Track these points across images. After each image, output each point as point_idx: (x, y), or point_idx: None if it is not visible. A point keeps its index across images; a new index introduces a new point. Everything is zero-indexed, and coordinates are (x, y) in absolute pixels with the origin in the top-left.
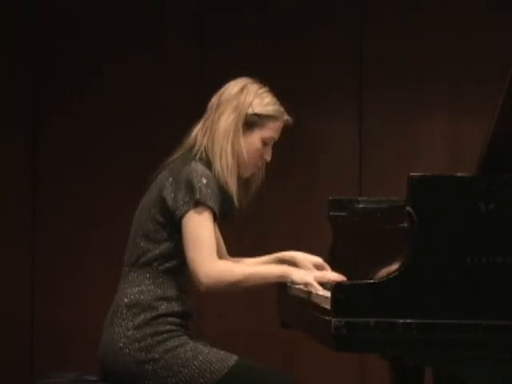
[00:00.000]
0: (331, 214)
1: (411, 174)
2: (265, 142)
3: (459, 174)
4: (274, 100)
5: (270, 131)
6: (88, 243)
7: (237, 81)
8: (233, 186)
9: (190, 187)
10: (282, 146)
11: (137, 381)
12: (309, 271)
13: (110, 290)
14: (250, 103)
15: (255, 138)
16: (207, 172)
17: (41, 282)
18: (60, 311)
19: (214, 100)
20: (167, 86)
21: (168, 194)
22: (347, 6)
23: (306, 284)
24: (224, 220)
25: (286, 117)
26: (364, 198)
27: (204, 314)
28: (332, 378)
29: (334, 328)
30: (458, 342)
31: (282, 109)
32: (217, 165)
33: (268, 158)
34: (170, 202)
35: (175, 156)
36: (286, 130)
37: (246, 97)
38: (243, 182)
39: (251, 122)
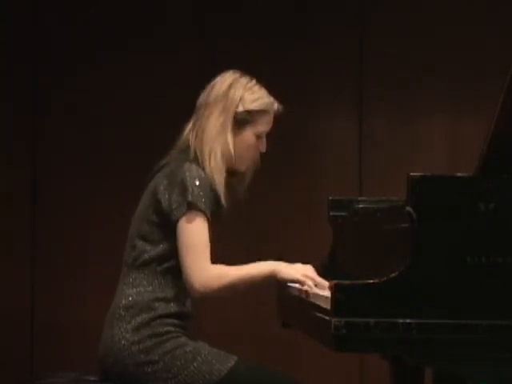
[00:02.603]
0: (331, 214)
1: (411, 173)
2: (258, 136)
3: (459, 174)
4: (263, 92)
5: (263, 125)
6: (88, 243)
7: (224, 77)
8: (220, 186)
9: (183, 188)
10: (282, 146)
11: (137, 382)
12: (298, 268)
13: (110, 290)
14: (239, 101)
15: (248, 135)
16: (201, 173)
17: (41, 282)
18: (60, 311)
19: (203, 99)
20: (167, 85)
21: (163, 196)
22: (347, 5)
23: (296, 281)
24: (214, 220)
25: (277, 106)
26: (364, 198)
27: (204, 315)
28: (332, 377)
29: (334, 328)
30: (458, 342)
31: (271, 99)
32: (206, 165)
33: (263, 149)
34: (164, 204)
35: (170, 157)
36: (286, 131)
37: (234, 95)
38: (239, 176)
39: (242, 120)
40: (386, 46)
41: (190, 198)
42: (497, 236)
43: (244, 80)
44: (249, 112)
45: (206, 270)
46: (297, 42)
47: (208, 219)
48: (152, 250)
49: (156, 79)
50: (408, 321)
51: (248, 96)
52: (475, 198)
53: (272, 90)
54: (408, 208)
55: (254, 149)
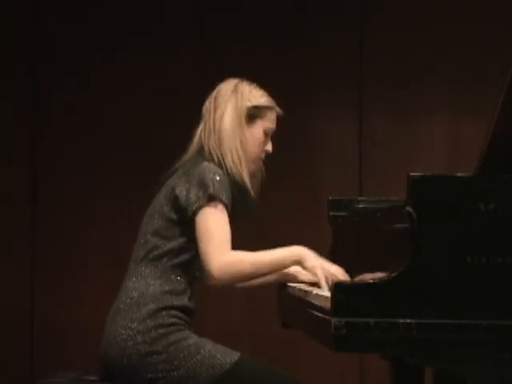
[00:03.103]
0: (331, 214)
1: (411, 173)
2: (266, 133)
3: (459, 174)
4: (265, 93)
5: (270, 122)
6: (88, 243)
7: (227, 82)
8: (247, 178)
9: (204, 184)
10: (282, 146)
11: (139, 373)
12: (323, 263)
13: (110, 290)
14: (248, 97)
15: (258, 130)
16: (220, 171)
17: (41, 282)
18: (60, 311)
19: (210, 103)
20: (167, 85)
21: (181, 192)
22: (347, 5)
23: (315, 274)
24: (244, 216)
25: (277, 108)
26: (364, 198)
27: (205, 314)
28: (332, 378)
29: (334, 328)
30: (458, 342)
31: (273, 100)
32: (228, 161)
33: (270, 149)
34: (182, 199)
35: (183, 161)
36: (286, 131)
37: (242, 92)
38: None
39: (252, 115)
40: (386, 46)
41: (211, 190)
42: (497, 236)
43: (246, 82)
44: (258, 107)
45: (222, 256)
46: (297, 42)
47: (228, 211)
48: (164, 246)
49: (156, 79)
50: (408, 321)
51: (254, 92)
52: (475, 198)
53: (272, 90)
54: (408, 208)
55: (262, 145)
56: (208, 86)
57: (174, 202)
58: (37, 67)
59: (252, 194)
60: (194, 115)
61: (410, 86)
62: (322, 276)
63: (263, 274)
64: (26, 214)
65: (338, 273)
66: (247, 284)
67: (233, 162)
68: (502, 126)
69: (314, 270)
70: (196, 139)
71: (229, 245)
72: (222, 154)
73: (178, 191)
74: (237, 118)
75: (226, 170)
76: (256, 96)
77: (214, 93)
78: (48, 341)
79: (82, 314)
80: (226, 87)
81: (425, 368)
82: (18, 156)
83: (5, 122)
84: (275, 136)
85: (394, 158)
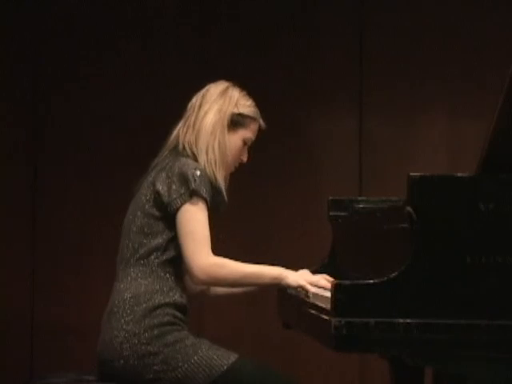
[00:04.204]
0: (331, 214)
1: (411, 173)
2: (245, 143)
3: (459, 174)
4: (254, 103)
5: (251, 132)
6: (88, 243)
7: (217, 83)
8: (221, 179)
9: (185, 179)
10: (283, 146)
11: (137, 375)
12: (303, 274)
13: (110, 290)
14: (236, 103)
15: (238, 138)
16: (199, 166)
17: (41, 282)
18: (60, 311)
19: (196, 100)
20: (167, 85)
21: (162, 188)
22: (347, 5)
23: (301, 287)
24: (213, 214)
25: (261, 121)
26: (364, 198)
27: (205, 314)
28: (332, 378)
29: (334, 328)
30: (458, 342)
31: (259, 113)
32: (203, 159)
33: (245, 159)
34: (164, 195)
35: (161, 157)
36: (286, 131)
37: (230, 97)
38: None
39: (235, 122)
40: (386, 46)
41: (192, 185)
42: (497, 236)
43: (238, 87)
44: (243, 116)
45: (206, 257)
46: (297, 42)
47: (208, 208)
48: (150, 243)
49: (156, 79)
50: (408, 321)
51: (243, 101)
52: (475, 198)
53: (272, 90)
54: (408, 208)
55: (238, 154)
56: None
57: (156, 198)
58: (37, 67)
59: (225, 196)
60: None
61: (410, 86)
62: (306, 283)
63: (241, 285)
64: (26, 214)
65: (322, 278)
66: (229, 291)
67: (207, 161)
68: (502, 126)
69: (296, 283)
70: (173, 135)
71: (209, 246)
72: (197, 151)
73: (159, 187)
74: (219, 120)
75: (205, 170)
76: (244, 104)
77: (203, 91)
78: (48, 341)
79: (82, 314)
80: (216, 88)
81: (425, 368)
82: (18, 156)
83: (5, 122)
84: (276, 136)
85: (394, 158)
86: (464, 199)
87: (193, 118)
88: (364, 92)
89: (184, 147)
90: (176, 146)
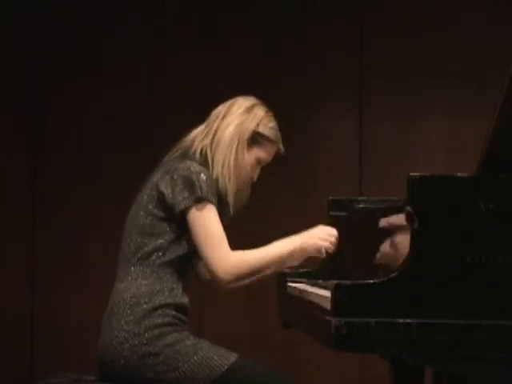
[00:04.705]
0: (331, 213)
1: (411, 173)
2: (259, 162)
3: (459, 174)
4: (277, 126)
5: (267, 153)
6: (88, 243)
7: (247, 97)
8: (231, 195)
9: (190, 183)
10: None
11: (137, 375)
12: (317, 234)
13: (110, 291)
14: (259, 122)
15: (252, 156)
16: (205, 170)
17: (41, 282)
18: (60, 311)
19: (222, 108)
20: (167, 85)
21: (165, 189)
22: (347, 5)
23: (325, 250)
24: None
25: (281, 145)
26: (364, 198)
27: (205, 315)
28: (332, 378)
29: (334, 328)
30: (458, 342)
31: (280, 137)
32: (218, 171)
33: (254, 178)
34: (168, 197)
35: (170, 156)
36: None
37: (255, 114)
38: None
39: (253, 140)
40: (386, 46)
41: (199, 193)
42: (497, 236)
43: (265, 107)
44: (262, 135)
45: (229, 258)
46: (297, 42)
47: (217, 209)
48: (151, 243)
49: (156, 79)
50: (408, 321)
51: (266, 121)
52: (475, 198)
53: (272, 90)
54: (408, 208)
55: (250, 172)
56: (208, 85)
57: (160, 199)
58: (37, 67)
59: (230, 210)
60: (195, 116)
61: (410, 85)
62: (325, 244)
63: (269, 268)
64: (26, 214)
65: (333, 231)
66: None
67: (222, 174)
68: (502, 126)
69: (317, 250)
70: (189, 137)
71: (227, 245)
72: (212, 160)
73: (162, 189)
74: (238, 134)
75: (213, 177)
76: (266, 124)
77: (231, 101)
78: (48, 341)
79: (82, 314)
80: (244, 102)
81: (425, 368)
82: (18, 156)
83: (5, 122)
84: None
85: (394, 158)
86: (464, 199)
87: (214, 126)
88: (364, 92)
89: (196, 151)
90: (188, 149)
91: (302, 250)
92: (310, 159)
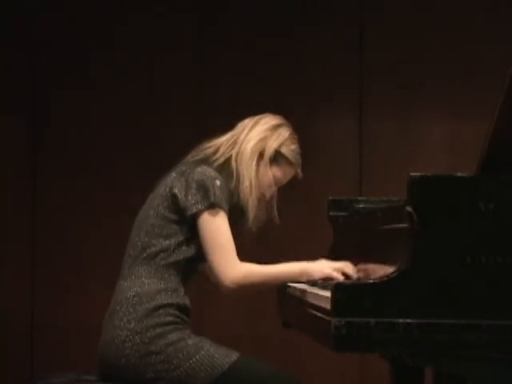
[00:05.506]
0: (331, 213)
1: (411, 173)
2: (275, 181)
3: (459, 174)
4: (299, 150)
5: (283, 174)
6: (88, 243)
7: (275, 116)
8: (252, 208)
9: (203, 188)
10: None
11: (138, 374)
12: (326, 263)
13: (110, 290)
14: (282, 142)
15: (270, 174)
16: (219, 175)
17: (41, 282)
18: (60, 311)
19: (249, 122)
20: (167, 85)
21: (179, 192)
22: (347, 5)
23: (328, 277)
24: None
25: (299, 170)
26: (364, 198)
27: (205, 315)
28: (332, 378)
29: (334, 328)
30: (457, 342)
31: (300, 161)
32: (241, 183)
33: (268, 196)
34: (181, 200)
35: (189, 158)
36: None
37: (279, 134)
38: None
39: (275, 158)
40: (386, 46)
41: (212, 198)
42: (497, 236)
43: (291, 129)
44: (282, 155)
45: (235, 267)
46: (297, 42)
47: (230, 218)
48: (159, 244)
49: (156, 79)
50: (408, 321)
51: (289, 143)
52: (475, 197)
53: (272, 90)
54: (408, 208)
55: (266, 189)
56: (208, 85)
57: (172, 200)
58: (37, 67)
59: (249, 223)
60: (194, 116)
61: (410, 86)
62: (332, 271)
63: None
64: (25, 213)
65: (346, 265)
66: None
67: (244, 187)
68: (502, 126)
69: (322, 273)
70: (215, 143)
71: (235, 255)
72: (238, 171)
73: (175, 190)
74: (260, 149)
75: (237, 188)
76: (288, 146)
77: (259, 116)
78: (48, 341)
79: (82, 314)
80: (272, 120)
81: (425, 368)
82: (18, 156)
83: (5, 123)
84: None
85: (394, 158)
86: (464, 199)
87: (241, 137)
88: (364, 92)
89: (219, 159)
90: (210, 155)
91: (309, 275)
92: (310, 159)
